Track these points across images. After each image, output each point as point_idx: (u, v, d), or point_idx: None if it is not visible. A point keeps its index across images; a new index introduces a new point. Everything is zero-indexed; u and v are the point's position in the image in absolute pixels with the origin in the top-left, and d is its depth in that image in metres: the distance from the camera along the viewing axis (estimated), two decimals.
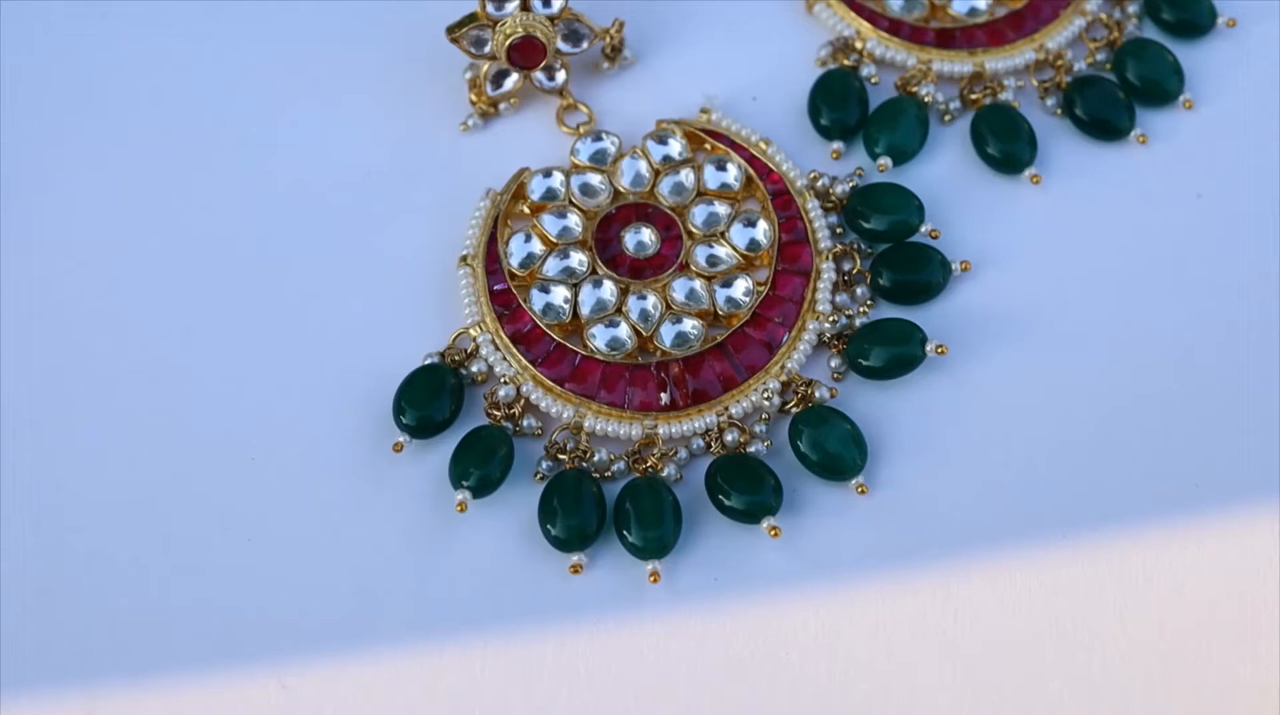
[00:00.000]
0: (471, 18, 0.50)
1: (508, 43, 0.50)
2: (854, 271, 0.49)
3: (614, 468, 0.46)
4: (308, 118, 0.53)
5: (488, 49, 0.50)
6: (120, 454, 0.47)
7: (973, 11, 0.53)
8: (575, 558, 0.44)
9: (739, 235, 0.49)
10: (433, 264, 0.50)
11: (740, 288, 0.48)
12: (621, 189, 0.50)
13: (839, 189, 0.50)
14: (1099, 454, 0.46)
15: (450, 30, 0.50)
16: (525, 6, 0.50)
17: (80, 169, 0.53)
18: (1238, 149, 0.52)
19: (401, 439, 0.46)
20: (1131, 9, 0.54)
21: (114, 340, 0.49)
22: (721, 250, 0.48)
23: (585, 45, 0.51)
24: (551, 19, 0.50)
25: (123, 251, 0.51)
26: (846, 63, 0.53)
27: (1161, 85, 0.52)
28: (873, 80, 0.53)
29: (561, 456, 0.46)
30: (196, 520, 0.46)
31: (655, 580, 0.44)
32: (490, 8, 0.50)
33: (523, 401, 0.47)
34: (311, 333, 0.49)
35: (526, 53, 0.50)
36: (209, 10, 0.56)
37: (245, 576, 0.45)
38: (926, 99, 0.52)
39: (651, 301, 0.47)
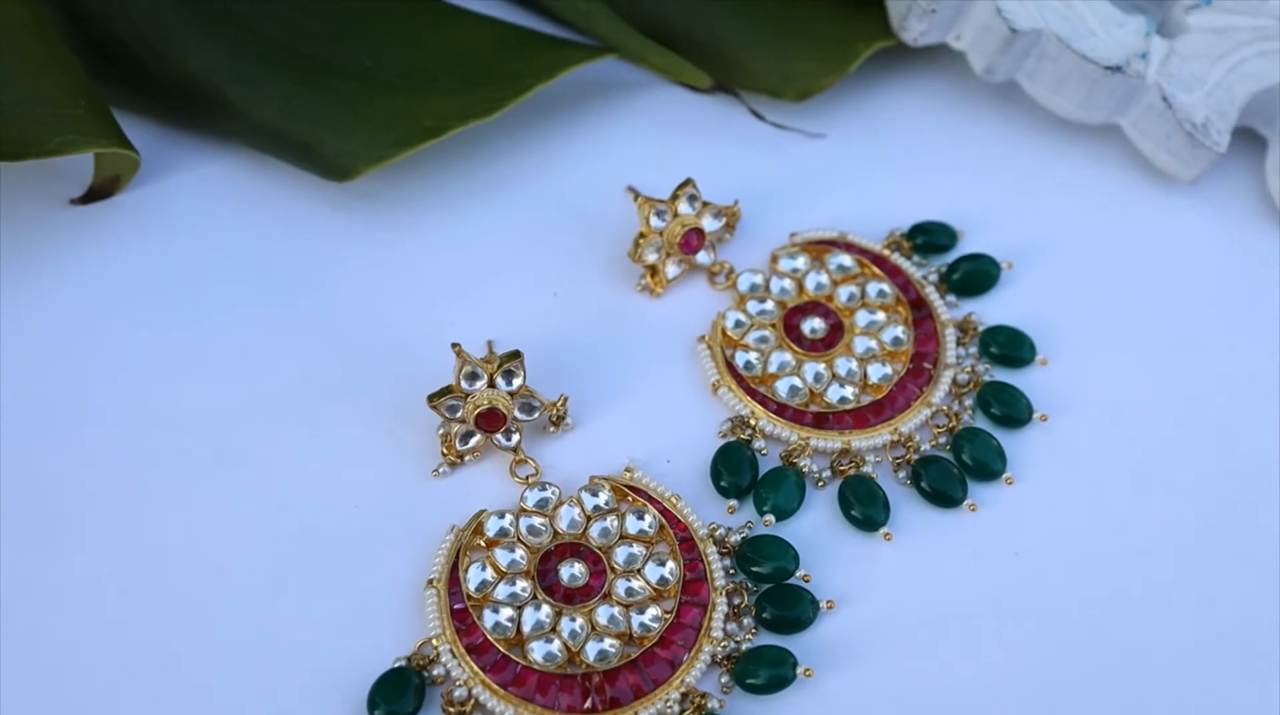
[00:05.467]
0: (448, 390, 0.57)
1: (476, 412, 0.58)
2: (742, 605, 0.55)
3: None
4: (309, 455, 0.59)
5: (459, 414, 0.58)
6: None
7: (843, 400, 0.61)
8: None
9: (652, 572, 0.55)
10: (406, 582, 0.56)
11: (651, 614, 0.54)
12: (560, 531, 0.56)
13: (733, 538, 0.57)
14: None
15: (431, 398, 0.57)
16: (491, 383, 0.58)
17: (80, 486, 0.57)
18: (1047, 519, 0.58)
19: None
20: (968, 402, 0.62)
21: (110, 638, 0.54)
22: (637, 583, 0.54)
23: (537, 415, 0.59)
24: (511, 394, 0.58)
25: (126, 564, 0.56)
26: (742, 436, 0.60)
27: (988, 466, 0.59)
28: (762, 452, 0.60)
29: None
30: None
31: None
32: (464, 383, 0.57)
33: (473, 701, 0.52)
34: (301, 635, 0.54)
35: (490, 420, 0.58)
36: (225, 355, 0.62)
37: None
38: (804, 469, 0.59)
39: (580, 623, 0.53)
